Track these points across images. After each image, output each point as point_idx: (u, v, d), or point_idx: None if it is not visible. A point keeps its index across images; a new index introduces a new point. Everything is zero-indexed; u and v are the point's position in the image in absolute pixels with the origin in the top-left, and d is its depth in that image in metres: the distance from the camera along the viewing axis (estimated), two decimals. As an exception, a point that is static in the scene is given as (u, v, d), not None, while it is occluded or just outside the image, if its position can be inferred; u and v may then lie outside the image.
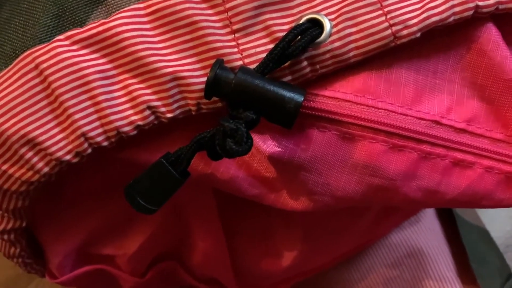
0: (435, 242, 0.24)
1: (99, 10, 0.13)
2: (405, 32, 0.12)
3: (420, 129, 0.13)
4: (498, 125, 0.13)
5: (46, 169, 0.13)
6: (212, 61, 0.12)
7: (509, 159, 0.13)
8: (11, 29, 0.13)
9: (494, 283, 0.23)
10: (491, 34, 0.13)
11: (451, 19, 0.12)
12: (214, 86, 0.11)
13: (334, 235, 0.20)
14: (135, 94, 0.12)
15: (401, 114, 0.13)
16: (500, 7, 0.13)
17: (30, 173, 0.13)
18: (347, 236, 0.20)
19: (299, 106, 0.11)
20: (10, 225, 0.15)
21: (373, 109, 0.13)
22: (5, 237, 0.15)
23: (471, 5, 0.12)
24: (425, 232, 0.24)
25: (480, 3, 0.12)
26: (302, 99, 0.11)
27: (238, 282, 0.20)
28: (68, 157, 0.13)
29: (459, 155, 0.13)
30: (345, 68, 0.13)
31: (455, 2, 0.12)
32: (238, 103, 0.11)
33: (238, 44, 0.12)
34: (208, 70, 0.12)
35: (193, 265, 0.19)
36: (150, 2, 0.12)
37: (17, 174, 0.13)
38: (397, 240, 0.24)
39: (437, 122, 0.13)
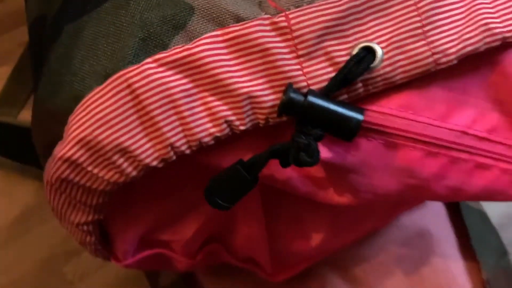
0: (440, 224, 0.26)
1: (180, 35, 0.14)
2: (444, 59, 0.14)
3: (451, 138, 0.15)
4: None
5: (134, 173, 0.15)
6: (280, 82, 0.14)
7: None
8: (99, 50, 0.15)
9: (491, 259, 0.26)
10: None
11: (483, 48, 0.15)
12: (287, 107, 0.14)
13: (357, 220, 0.22)
14: (214, 110, 0.14)
15: (436, 126, 0.15)
16: None
17: (117, 175, 0.15)
18: (369, 220, 0.23)
19: (360, 124, 0.14)
20: (90, 218, 0.17)
21: (414, 122, 0.15)
22: (84, 228, 0.17)
23: (499, 36, 0.14)
24: (432, 215, 0.27)
25: (507, 34, 0.15)
26: (363, 118, 0.14)
27: (272, 261, 0.22)
28: (155, 163, 0.15)
29: (480, 159, 0.16)
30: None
31: (486, 34, 0.14)
32: (307, 121, 0.14)
33: (302, 67, 0.14)
34: (276, 89, 0.14)
35: (234, 247, 0.22)
36: (227, 30, 0.14)
37: (106, 176, 0.15)
38: (406, 221, 0.26)
39: (464, 132, 0.16)
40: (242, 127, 0.15)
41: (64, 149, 0.15)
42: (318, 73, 0.14)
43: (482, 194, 0.16)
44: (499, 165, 0.16)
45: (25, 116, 0.34)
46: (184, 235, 0.19)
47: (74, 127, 0.15)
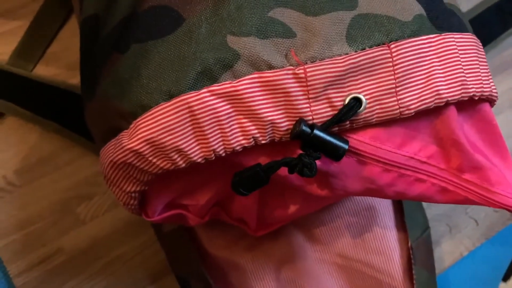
0: (383, 202, 0.33)
1: (228, 73, 0.20)
2: (406, 112, 0.21)
3: (402, 161, 0.22)
4: (444, 160, 0.23)
5: (182, 165, 0.21)
6: (294, 115, 0.20)
7: (446, 180, 0.23)
8: (165, 74, 0.20)
9: (417, 232, 0.34)
10: (452, 111, 0.22)
11: (432, 106, 0.21)
12: (299, 136, 0.20)
13: (322, 198, 0.29)
14: (246, 129, 0.20)
15: (393, 152, 0.22)
16: (461, 99, 0.21)
17: (169, 165, 0.21)
18: (330, 199, 0.30)
19: (345, 151, 0.20)
20: (138, 188, 0.23)
21: (379, 149, 0.21)
22: (132, 194, 0.23)
23: (445, 100, 0.21)
24: (378, 195, 0.34)
25: (450, 99, 0.21)
26: (347, 147, 0.20)
27: (257, 222, 0.29)
28: (199, 160, 0.21)
29: (419, 176, 0.23)
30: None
31: (436, 97, 0.21)
32: (311, 147, 0.20)
33: (310, 106, 0.20)
34: (290, 120, 0.20)
35: (232, 210, 0.28)
36: (262, 75, 0.20)
37: (161, 165, 0.21)
38: (358, 198, 0.33)
39: (412, 158, 0.22)
40: (263, 142, 0.21)
41: (133, 143, 0.20)
42: (321, 112, 0.20)
43: (417, 198, 0.23)
44: (431, 180, 0.23)
45: (40, 70, 0.37)
46: (199, 202, 0.25)
47: (144, 129, 0.20)
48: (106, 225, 0.35)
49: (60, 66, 0.38)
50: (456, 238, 0.39)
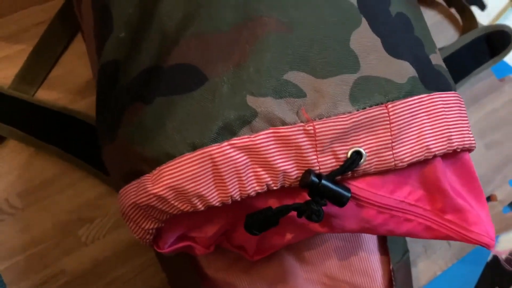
0: None
1: (246, 128, 0.22)
2: (400, 164, 0.24)
3: (393, 204, 0.25)
4: (430, 203, 0.26)
5: (201, 208, 0.23)
6: (303, 165, 0.23)
7: (430, 220, 0.26)
8: (189, 126, 0.22)
9: (398, 255, 0.37)
10: (438, 162, 0.25)
11: (423, 158, 0.24)
12: (308, 185, 0.22)
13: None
14: (260, 177, 0.22)
15: (387, 197, 0.25)
16: (445, 153, 0.25)
17: (189, 207, 0.23)
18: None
19: (348, 199, 0.23)
20: (156, 226, 0.25)
21: (374, 194, 0.24)
22: (150, 231, 0.25)
23: (433, 154, 0.24)
24: (364, 220, 0.37)
25: (437, 153, 0.24)
26: (350, 195, 0.23)
27: (256, 248, 0.32)
28: (217, 204, 0.23)
29: (408, 216, 0.26)
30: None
31: (426, 151, 0.24)
32: (318, 195, 0.22)
33: (318, 158, 0.23)
34: (300, 169, 0.23)
35: (234, 239, 0.30)
36: (276, 130, 0.22)
37: (182, 207, 0.23)
38: None
39: (402, 201, 0.25)
40: (275, 187, 0.23)
41: (157, 188, 0.22)
42: (327, 163, 0.23)
43: (404, 234, 0.26)
44: (418, 220, 0.26)
45: (42, 94, 0.38)
46: (207, 234, 0.27)
47: (168, 176, 0.22)
48: (107, 246, 0.36)
49: (62, 90, 0.39)
50: (431, 259, 0.42)
